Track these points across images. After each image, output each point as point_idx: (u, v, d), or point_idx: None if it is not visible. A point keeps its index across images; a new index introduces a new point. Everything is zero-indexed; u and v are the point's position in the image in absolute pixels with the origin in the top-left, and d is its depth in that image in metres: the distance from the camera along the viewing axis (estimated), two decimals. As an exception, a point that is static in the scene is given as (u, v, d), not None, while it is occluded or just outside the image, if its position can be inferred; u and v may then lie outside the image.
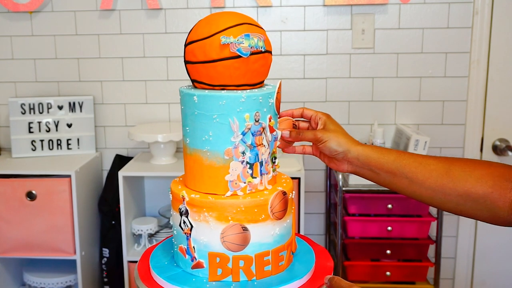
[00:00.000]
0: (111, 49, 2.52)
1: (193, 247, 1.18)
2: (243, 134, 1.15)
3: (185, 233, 1.19)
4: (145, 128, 2.40)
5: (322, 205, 2.62)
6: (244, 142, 1.15)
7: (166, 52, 2.51)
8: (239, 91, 1.15)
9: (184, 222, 1.19)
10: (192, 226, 1.17)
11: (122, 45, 2.51)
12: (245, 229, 1.14)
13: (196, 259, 1.19)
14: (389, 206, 2.15)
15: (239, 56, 1.12)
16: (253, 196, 1.16)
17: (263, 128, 1.17)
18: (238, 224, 1.13)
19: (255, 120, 1.15)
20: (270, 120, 1.18)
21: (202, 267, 1.18)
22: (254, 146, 1.16)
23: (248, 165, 1.17)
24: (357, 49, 2.46)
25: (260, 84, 1.21)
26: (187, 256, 1.20)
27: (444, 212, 2.24)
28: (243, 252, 1.15)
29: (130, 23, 2.49)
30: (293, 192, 1.27)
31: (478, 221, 2.55)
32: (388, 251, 2.19)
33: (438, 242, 2.17)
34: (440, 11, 2.41)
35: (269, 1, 2.42)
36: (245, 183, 1.17)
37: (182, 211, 1.19)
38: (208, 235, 1.15)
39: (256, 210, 1.14)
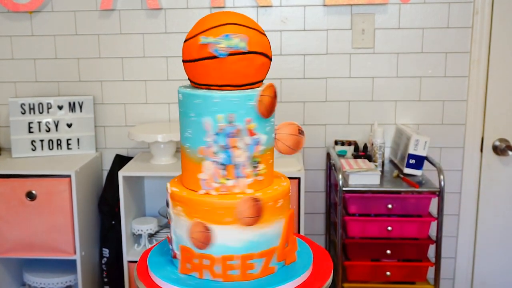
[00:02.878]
0: (111, 49, 2.52)
1: (172, 238, 1.20)
2: (217, 134, 1.14)
3: (169, 223, 1.22)
4: (145, 128, 2.40)
5: (322, 205, 2.62)
6: (217, 143, 1.14)
7: (166, 52, 2.51)
8: (214, 92, 1.14)
9: (168, 212, 1.23)
10: (171, 218, 1.20)
11: (122, 45, 2.51)
12: (208, 229, 1.13)
13: (173, 250, 1.21)
14: (389, 206, 2.15)
15: (216, 56, 1.11)
16: (222, 198, 1.15)
17: (239, 130, 1.15)
18: (201, 222, 1.13)
19: (229, 121, 1.14)
20: (249, 123, 1.15)
21: (177, 258, 1.20)
22: (228, 148, 1.14)
23: (222, 166, 1.15)
24: (357, 49, 2.46)
25: (251, 85, 1.18)
26: (170, 245, 1.23)
27: (444, 212, 2.24)
28: (208, 251, 1.15)
29: (130, 23, 2.49)
30: (280, 200, 1.20)
31: (478, 221, 2.57)
32: (388, 251, 2.19)
33: (438, 242, 2.17)
34: (440, 11, 2.41)
35: (269, 1, 2.41)
36: (218, 183, 1.16)
37: (166, 202, 1.22)
38: (180, 228, 1.17)
39: (222, 212, 1.13)
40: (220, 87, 1.15)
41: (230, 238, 1.14)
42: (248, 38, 1.12)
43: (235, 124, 1.13)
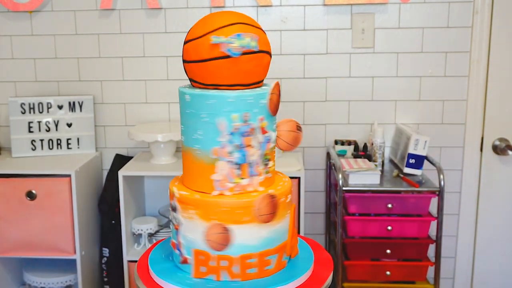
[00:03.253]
0: (111, 48, 2.52)
1: (181, 242, 1.19)
2: (232, 134, 1.14)
3: (176, 229, 1.20)
4: (145, 128, 2.40)
5: (322, 205, 2.62)
6: (232, 142, 1.14)
7: (166, 51, 2.51)
8: (228, 91, 1.14)
9: (174, 217, 1.20)
10: (180, 222, 1.18)
11: (122, 44, 2.51)
12: (227, 229, 1.13)
13: (183, 255, 1.19)
14: (389, 205, 2.15)
15: (229, 56, 1.11)
16: (239, 197, 1.15)
17: (253, 129, 1.16)
18: (220, 223, 1.13)
19: (244, 120, 1.14)
20: (261, 121, 1.17)
21: (188, 263, 1.18)
22: (243, 147, 1.15)
23: (236, 166, 1.16)
24: (357, 48, 2.46)
25: (256, 84, 1.20)
26: (177, 251, 1.21)
27: (444, 212, 2.24)
28: (226, 252, 1.14)
29: (130, 23, 2.49)
30: (289, 196, 1.24)
31: (478, 221, 2.57)
32: (388, 251, 2.19)
33: (438, 241, 2.17)
34: (440, 10, 2.41)
35: (269, 0, 2.41)
36: (233, 183, 1.16)
37: (173, 207, 1.20)
38: (193, 232, 1.16)
39: (241, 211, 1.13)
40: (231, 86, 1.15)
41: (248, 236, 1.14)
42: (258, 37, 1.14)
43: (249, 123, 1.15)
